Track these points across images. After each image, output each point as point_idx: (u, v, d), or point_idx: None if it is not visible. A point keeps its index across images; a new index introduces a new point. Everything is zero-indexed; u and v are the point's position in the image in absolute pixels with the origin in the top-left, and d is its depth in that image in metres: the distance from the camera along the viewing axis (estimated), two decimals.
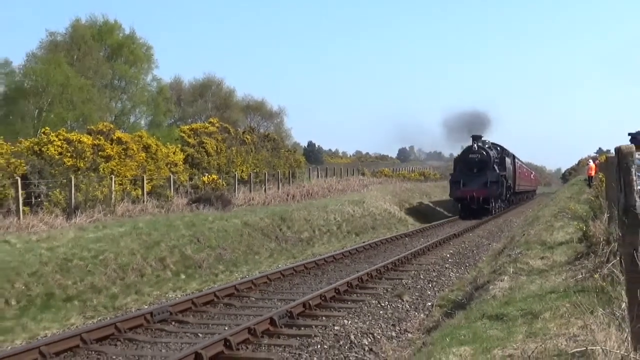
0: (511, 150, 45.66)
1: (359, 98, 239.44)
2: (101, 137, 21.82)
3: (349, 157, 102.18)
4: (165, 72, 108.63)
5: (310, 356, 7.51)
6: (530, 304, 6.63)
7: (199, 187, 24.80)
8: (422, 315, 10.17)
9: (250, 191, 28.37)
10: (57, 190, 18.10)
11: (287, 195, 29.45)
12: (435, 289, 12.56)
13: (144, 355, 7.68)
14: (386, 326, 9.24)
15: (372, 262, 15.77)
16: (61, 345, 7.73)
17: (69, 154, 19.91)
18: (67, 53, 43.72)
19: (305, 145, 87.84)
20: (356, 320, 9.35)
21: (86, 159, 20.42)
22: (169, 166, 24.58)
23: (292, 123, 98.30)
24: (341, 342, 8.08)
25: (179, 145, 27.61)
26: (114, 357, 7.70)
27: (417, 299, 11.42)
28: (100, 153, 21.18)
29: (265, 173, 31.81)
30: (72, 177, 18.19)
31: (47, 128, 22.70)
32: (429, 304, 11.00)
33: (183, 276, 14.15)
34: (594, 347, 4.24)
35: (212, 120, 32.90)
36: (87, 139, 21.09)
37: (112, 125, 24.71)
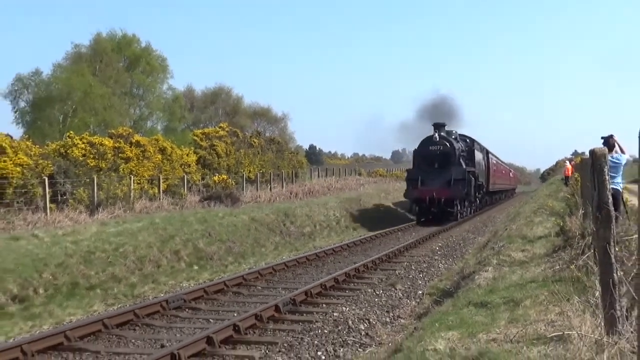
0: (494, 150, 39.36)
1: (359, 102, 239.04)
2: (121, 141, 21.82)
3: (347, 158, 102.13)
4: (179, 82, 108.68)
5: (311, 340, 7.51)
6: (512, 293, 6.63)
7: (210, 186, 24.80)
8: (413, 302, 10.17)
9: (257, 190, 28.36)
10: (81, 188, 18.09)
11: (291, 193, 29.45)
12: (425, 278, 12.55)
13: (160, 339, 7.68)
14: (381, 313, 9.24)
15: (368, 255, 15.76)
16: (85, 330, 7.73)
17: (91, 156, 19.91)
18: (89, 64, 43.73)
19: (307, 148, 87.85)
20: (353, 307, 9.35)
21: (107, 160, 20.43)
22: (182, 167, 24.58)
23: (295, 127, 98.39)
24: (340, 327, 8.08)
25: (192, 148, 27.61)
26: (133, 340, 7.71)
27: (409, 287, 11.42)
28: (120, 155, 21.19)
29: (270, 173, 31.79)
30: (95, 177, 18.19)
31: (71, 132, 22.69)
32: (420, 292, 10.99)
33: (196, 267, 14.14)
34: (570, 332, 4.24)
35: (222, 125, 32.88)
36: (108, 142, 21.09)
37: (131, 130, 24.72)
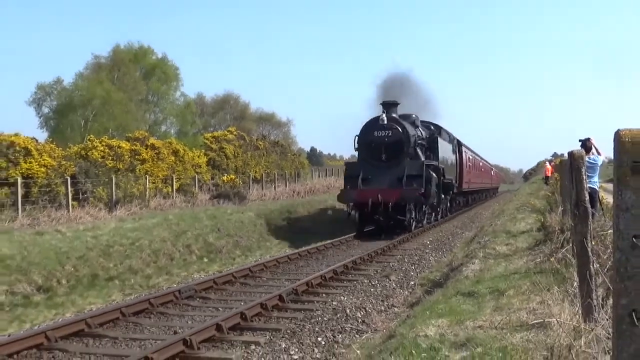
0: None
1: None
2: (137, 143, 21.82)
3: (345, 159, 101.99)
4: (190, 89, 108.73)
5: (312, 327, 7.50)
6: (497, 283, 6.63)
7: (219, 185, 24.79)
8: (406, 292, 10.15)
9: (262, 188, 28.36)
10: (101, 187, 18.11)
11: (293, 192, 29.44)
12: (417, 270, 12.53)
13: (173, 326, 7.68)
14: (376, 301, 9.23)
15: (365, 248, 15.74)
16: (104, 317, 7.73)
17: (110, 158, 19.90)
18: (108, 73, 43.87)
19: (308, 150, 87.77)
20: (351, 297, 9.34)
21: (125, 162, 20.42)
22: (194, 168, 24.58)
23: (297, 131, 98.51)
24: (338, 315, 8.07)
25: (203, 150, 27.61)
26: (148, 327, 7.70)
27: (402, 278, 11.39)
28: (136, 157, 21.18)
29: (275, 173, 31.81)
30: (113, 177, 18.19)
31: (92, 136, 22.72)
32: (412, 283, 10.98)
33: (206, 260, 14.14)
34: (550, 319, 4.24)
35: (230, 129, 32.88)
36: (125, 145, 21.09)
37: (146, 134, 24.71)
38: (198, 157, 25.55)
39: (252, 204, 22.17)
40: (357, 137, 19.01)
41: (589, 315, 3.98)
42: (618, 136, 2.17)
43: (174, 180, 21.65)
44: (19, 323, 8.47)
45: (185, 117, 49.19)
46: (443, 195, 22.03)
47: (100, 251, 12.03)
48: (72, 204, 16.28)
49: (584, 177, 4.56)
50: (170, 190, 21.39)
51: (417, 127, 20.38)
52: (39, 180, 16.13)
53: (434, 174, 19.48)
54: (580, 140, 10.51)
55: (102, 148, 19.93)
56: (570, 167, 4.71)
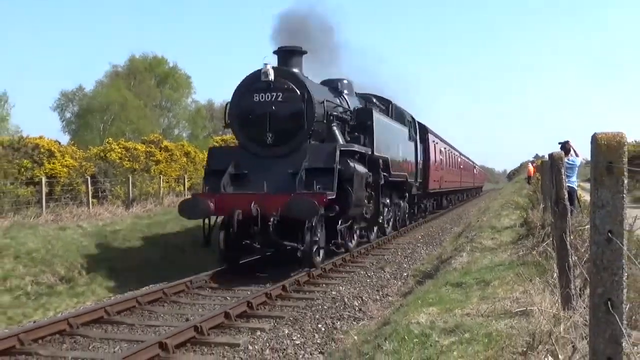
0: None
1: None
2: (152, 146, 21.82)
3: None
4: (201, 96, 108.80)
5: (313, 314, 7.51)
6: (483, 274, 6.63)
7: None
8: (399, 283, 10.15)
9: None
10: (118, 186, 18.12)
11: None
12: (409, 262, 12.53)
13: (185, 314, 7.68)
14: (372, 291, 9.23)
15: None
16: (122, 306, 7.73)
17: (127, 159, 19.91)
18: (125, 80, 43.89)
19: None
20: (349, 287, 9.34)
21: (140, 163, 20.43)
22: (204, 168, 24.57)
23: None
24: (337, 304, 8.08)
25: None
26: (162, 315, 7.70)
27: (395, 270, 11.39)
28: (151, 158, 21.19)
29: None
30: (130, 177, 18.19)
31: (110, 138, 22.74)
32: (405, 274, 10.98)
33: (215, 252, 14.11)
34: (532, 308, 4.24)
35: None
36: (141, 147, 21.10)
37: (160, 137, 24.72)
38: None
39: None
40: (228, 106, 10.54)
41: (568, 304, 3.99)
42: (595, 139, 2.18)
43: (186, 179, 21.66)
44: (43, 311, 8.48)
45: (196, 122, 49.28)
46: (388, 200, 14.31)
47: (118, 244, 12.03)
48: (92, 202, 16.29)
49: (564, 177, 4.57)
50: (182, 189, 21.38)
51: (340, 94, 12.01)
52: (62, 180, 16.15)
53: (361, 169, 10.71)
54: (559, 143, 10.52)
55: (119, 150, 19.93)
56: (551, 167, 4.72)
